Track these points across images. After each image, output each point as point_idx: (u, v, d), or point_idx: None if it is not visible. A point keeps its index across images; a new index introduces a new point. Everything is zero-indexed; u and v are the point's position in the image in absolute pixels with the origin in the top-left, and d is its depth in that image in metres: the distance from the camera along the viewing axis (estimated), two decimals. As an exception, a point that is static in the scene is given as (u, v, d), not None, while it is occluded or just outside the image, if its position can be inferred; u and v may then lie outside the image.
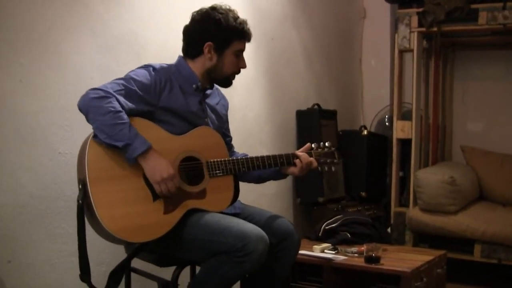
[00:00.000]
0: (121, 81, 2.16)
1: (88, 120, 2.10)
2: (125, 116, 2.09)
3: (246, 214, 2.37)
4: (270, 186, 3.63)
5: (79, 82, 2.52)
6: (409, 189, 3.97)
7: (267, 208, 2.69)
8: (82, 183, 2.08)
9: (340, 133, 4.21)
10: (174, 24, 2.63)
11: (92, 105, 2.07)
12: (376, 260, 2.96)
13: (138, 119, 2.15)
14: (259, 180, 2.50)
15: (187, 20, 2.36)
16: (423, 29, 3.86)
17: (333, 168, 2.47)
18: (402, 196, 4.16)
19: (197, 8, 2.36)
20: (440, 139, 4.33)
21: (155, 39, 2.91)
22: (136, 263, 2.36)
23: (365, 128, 4.35)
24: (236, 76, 2.41)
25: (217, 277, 2.12)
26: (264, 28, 3.67)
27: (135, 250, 2.24)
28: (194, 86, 2.33)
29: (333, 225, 3.46)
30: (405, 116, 4.11)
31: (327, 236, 3.41)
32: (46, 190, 2.43)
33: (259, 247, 2.07)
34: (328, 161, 2.46)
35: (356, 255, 3.11)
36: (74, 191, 2.34)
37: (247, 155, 2.43)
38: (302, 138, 3.93)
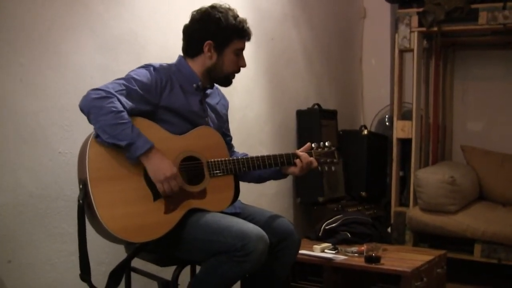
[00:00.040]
0: (122, 81, 2.16)
1: (90, 121, 2.10)
2: (127, 116, 2.09)
3: (246, 214, 2.37)
4: (270, 186, 3.63)
5: (79, 82, 2.52)
6: (409, 188, 3.96)
7: (267, 208, 2.69)
8: (83, 183, 2.08)
9: (341, 133, 4.21)
10: (174, 24, 2.63)
11: (93, 105, 2.07)
12: (376, 260, 2.96)
13: (139, 119, 2.15)
14: (259, 180, 2.51)
15: (187, 20, 2.37)
16: (423, 29, 3.86)
17: (333, 168, 2.47)
18: (402, 195, 4.16)
19: (197, 8, 2.36)
20: (440, 139, 4.33)
21: (155, 39, 2.91)
22: (136, 262, 2.36)
23: (365, 127, 4.35)
24: (236, 75, 2.42)
25: (217, 276, 2.12)
26: (264, 28, 3.67)
27: (135, 250, 2.24)
28: (194, 85, 2.34)
29: (333, 225, 3.46)
30: (405, 116, 4.11)
31: (327, 236, 3.41)
32: (46, 189, 2.44)
33: (259, 247, 2.07)
34: (328, 160, 2.46)
35: (356, 255, 3.11)
36: (74, 190, 2.35)
37: (247, 154, 2.44)
38: (302, 138, 3.93)
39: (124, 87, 2.14)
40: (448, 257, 3.34)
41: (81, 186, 2.09)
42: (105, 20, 2.67)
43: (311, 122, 3.95)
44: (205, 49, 2.31)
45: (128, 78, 2.18)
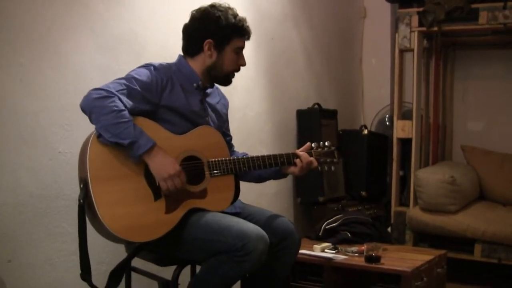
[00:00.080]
0: (123, 81, 2.16)
1: (91, 121, 2.10)
2: (128, 115, 2.09)
3: (246, 214, 2.37)
4: (270, 186, 3.63)
5: (79, 82, 2.52)
6: (410, 188, 3.96)
7: (267, 207, 2.70)
8: (84, 182, 2.08)
9: (341, 132, 4.21)
10: (174, 24, 2.63)
11: (95, 105, 2.07)
12: (377, 259, 2.96)
13: (140, 119, 2.15)
14: (259, 179, 2.51)
15: (187, 20, 2.37)
16: (424, 28, 3.86)
17: (332, 168, 2.48)
18: (402, 195, 4.16)
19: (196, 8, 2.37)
20: (441, 139, 4.33)
21: (155, 39, 2.91)
22: (137, 262, 2.36)
23: (366, 127, 4.34)
24: (236, 75, 2.42)
25: (217, 276, 2.12)
26: (264, 28, 3.67)
27: (135, 249, 2.24)
28: (195, 85, 2.34)
29: (334, 224, 3.46)
30: (406, 115, 4.12)
31: (327, 236, 3.41)
32: (46, 189, 2.44)
33: (259, 246, 2.07)
34: (328, 160, 2.46)
35: (356, 254, 3.10)
36: (74, 190, 2.35)
37: (247, 154, 2.44)
38: (302, 137, 3.93)
39: (125, 87, 2.14)
40: (448, 257, 3.34)
41: (82, 186, 2.09)
42: (105, 20, 2.67)
43: (311, 122, 3.95)
44: (205, 47, 2.32)
45: (128, 78, 2.18)
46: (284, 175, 2.46)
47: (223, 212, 2.25)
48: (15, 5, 2.32)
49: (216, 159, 2.26)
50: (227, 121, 2.55)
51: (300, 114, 3.99)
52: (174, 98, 2.25)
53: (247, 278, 2.39)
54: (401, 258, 3.10)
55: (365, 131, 4.21)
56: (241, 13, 2.38)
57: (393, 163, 4.05)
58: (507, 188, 3.99)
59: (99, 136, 2.08)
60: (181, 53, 2.39)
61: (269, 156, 2.34)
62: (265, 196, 3.63)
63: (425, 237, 3.87)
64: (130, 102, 2.13)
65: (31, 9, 2.37)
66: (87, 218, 2.12)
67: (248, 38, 2.39)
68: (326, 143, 2.47)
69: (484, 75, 4.43)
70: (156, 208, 2.13)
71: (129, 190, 2.10)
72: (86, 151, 2.08)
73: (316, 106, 4.04)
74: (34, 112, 2.39)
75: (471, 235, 3.60)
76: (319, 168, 2.45)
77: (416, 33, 3.88)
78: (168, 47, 2.86)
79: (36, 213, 2.40)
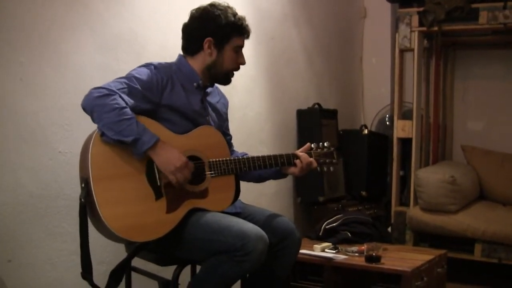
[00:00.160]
0: (124, 80, 2.16)
1: (93, 120, 2.10)
2: (130, 112, 2.09)
3: (246, 214, 2.37)
4: (270, 186, 3.63)
5: (79, 81, 2.52)
6: (410, 188, 3.96)
7: (267, 207, 2.69)
8: (85, 181, 2.08)
9: (341, 132, 4.21)
10: (174, 24, 2.63)
11: (96, 103, 2.06)
12: (377, 259, 2.96)
13: (141, 117, 2.15)
14: (259, 179, 2.51)
15: (186, 20, 2.37)
16: (424, 28, 3.86)
17: (332, 168, 2.48)
18: (402, 195, 4.16)
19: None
20: (441, 138, 4.33)
21: (155, 39, 2.91)
22: (137, 262, 2.36)
23: (366, 127, 4.34)
24: (236, 75, 2.42)
25: (217, 276, 2.12)
26: (264, 27, 3.67)
27: (135, 249, 2.24)
28: (195, 84, 2.34)
29: (334, 224, 3.46)
30: (406, 115, 4.11)
31: (327, 236, 3.41)
32: (46, 189, 2.44)
33: (259, 246, 2.07)
34: (327, 161, 2.46)
35: (356, 254, 3.10)
36: (74, 190, 2.35)
37: (247, 154, 2.44)
38: (302, 137, 3.93)
39: (125, 85, 2.14)
40: (448, 257, 3.34)
41: (83, 185, 2.09)
42: (105, 19, 2.67)
43: (311, 122, 3.95)
44: (205, 46, 2.32)
45: (129, 77, 2.18)
46: (284, 175, 2.46)
47: (223, 212, 2.26)
48: (15, 5, 2.32)
49: (217, 159, 2.26)
50: (227, 120, 2.55)
51: (300, 114, 3.99)
52: (175, 97, 2.25)
53: (247, 278, 2.39)
54: (401, 258, 3.10)
55: (365, 131, 4.21)
56: (241, 13, 2.38)
57: (393, 163, 4.05)
58: (507, 188, 3.99)
59: (102, 134, 2.08)
60: (181, 53, 2.39)
61: (269, 157, 2.34)
62: (265, 196, 3.63)
63: (425, 237, 3.87)
64: (131, 101, 2.13)
65: (31, 9, 2.37)
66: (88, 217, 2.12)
67: (248, 37, 2.39)
68: (326, 144, 2.47)
69: (484, 75, 4.43)
70: (157, 207, 2.13)
71: (130, 190, 2.10)
72: (88, 150, 2.07)
73: (316, 106, 4.04)
74: (34, 112, 2.39)
75: (471, 235, 3.60)
76: (319, 168, 2.46)
77: (416, 33, 3.88)
78: (168, 47, 2.86)
79: (36, 213, 2.40)
